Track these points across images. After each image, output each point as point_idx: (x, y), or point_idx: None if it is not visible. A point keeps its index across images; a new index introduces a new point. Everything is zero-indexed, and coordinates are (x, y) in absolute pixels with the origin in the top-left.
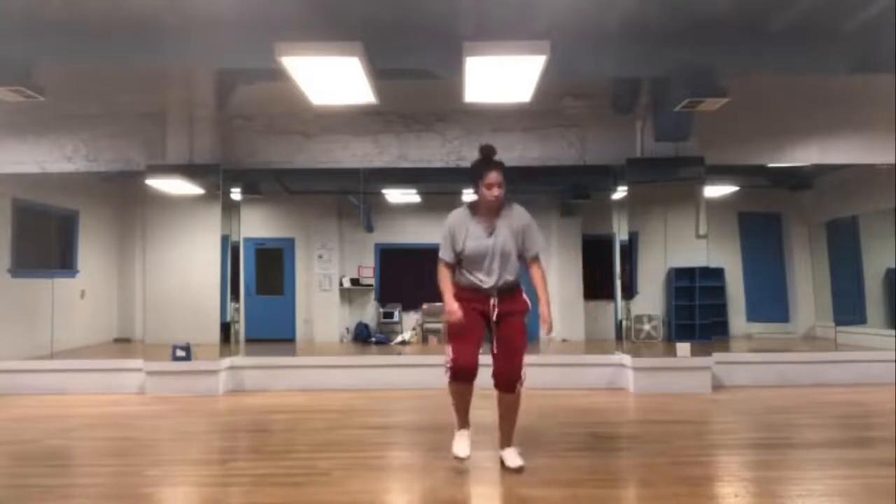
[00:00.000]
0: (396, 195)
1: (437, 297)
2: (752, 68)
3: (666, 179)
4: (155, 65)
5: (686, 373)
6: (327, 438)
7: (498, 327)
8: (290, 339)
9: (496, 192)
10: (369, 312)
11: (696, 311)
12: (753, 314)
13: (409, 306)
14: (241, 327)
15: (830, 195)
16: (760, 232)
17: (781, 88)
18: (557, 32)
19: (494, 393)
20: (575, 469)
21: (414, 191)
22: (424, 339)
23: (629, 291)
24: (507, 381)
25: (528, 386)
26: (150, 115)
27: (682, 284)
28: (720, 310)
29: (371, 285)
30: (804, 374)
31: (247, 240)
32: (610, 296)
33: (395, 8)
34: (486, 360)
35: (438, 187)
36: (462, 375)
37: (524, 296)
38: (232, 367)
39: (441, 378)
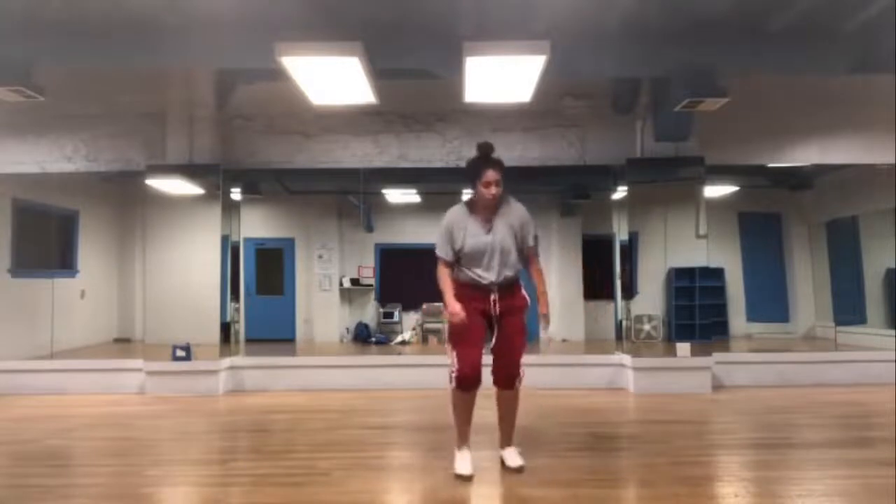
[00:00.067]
0: (396, 195)
1: (438, 297)
2: (752, 68)
3: (666, 179)
4: (155, 65)
5: (686, 373)
6: (327, 438)
7: (498, 324)
8: (290, 339)
9: (494, 190)
10: (369, 312)
11: (696, 311)
12: (753, 314)
13: (409, 306)
14: (241, 327)
15: (830, 195)
16: (760, 232)
17: (781, 88)
18: (557, 32)
19: (494, 392)
20: (575, 469)
21: (414, 191)
22: (424, 339)
23: (629, 291)
24: (507, 377)
25: (528, 386)
26: (150, 115)
27: (682, 284)
28: (720, 310)
29: (371, 285)
30: (804, 374)
31: (247, 240)
32: (610, 296)
33: (395, 8)
34: (485, 360)
35: (438, 187)
36: (467, 385)
37: (523, 291)
38: (232, 367)
39: (442, 378)
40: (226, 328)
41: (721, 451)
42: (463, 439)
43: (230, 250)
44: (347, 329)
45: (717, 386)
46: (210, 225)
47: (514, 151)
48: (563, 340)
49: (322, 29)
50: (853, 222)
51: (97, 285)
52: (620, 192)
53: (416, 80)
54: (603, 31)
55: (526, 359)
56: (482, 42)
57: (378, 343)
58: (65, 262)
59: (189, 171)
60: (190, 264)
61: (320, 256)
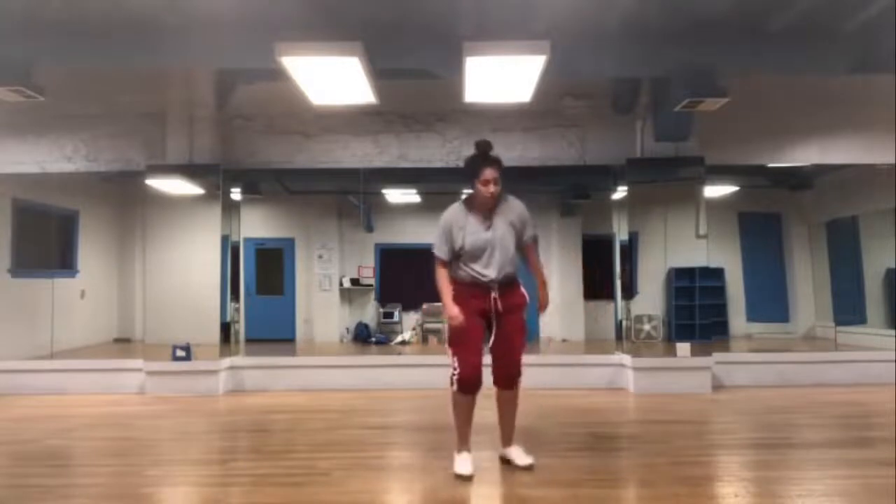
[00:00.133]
0: (396, 195)
1: (438, 297)
2: (752, 68)
3: (666, 179)
4: (155, 65)
5: (686, 373)
6: (327, 438)
7: (498, 324)
8: (290, 339)
9: (492, 188)
10: (369, 312)
11: (696, 311)
12: (753, 314)
13: (409, 306)
14: (241, 327)
15: (830, 195)
16: (760, 232)
17: (781, 88)
18: (557, 32)
19: (493, 391)
20: (575, 469)
21: (414, 191)
22: (424, 339)
23: (629, 291)
24: (508, 377)
25: (529, 386)
26: (150, 115)
27: (682, 284)
28: (720, 310)
29: (371, 285)
30: (804, 374)
31: (247, 240)
32: (610, 296)
33: (395, 8)
34: (485, 360)
35: (438, 187)
36: (468, 387)
37: (522, 289)
38: (232, 367)
39: (441, 378)
40: (226, 328)
41: (721, 451)
42: (463, 441)
43: (230, 250)
44: (347, 329)
45: (717, 386)
46: (210, 225)
47: (514, 151)
48: (563, 340)
49: (322, 29)
50: (853, 222)
51: (97, 285)
52: (620, 192)
53: (416, 80)
54: (603, 31)
55: (526, 359)
56: (482, 42)
57: (378, 343)
58: (65, 262)
59: (189, 171)
60: (190, 264)
61: (320, 256)
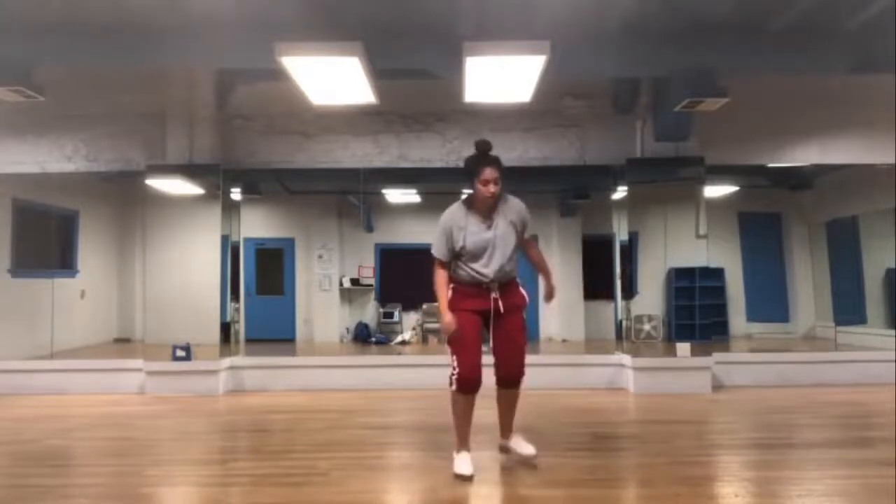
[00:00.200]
0: (396, 195)
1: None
2: (752, 68)
3: (666, 179)
4: (155, 65)
5: (686, 373)
6: (327, 438)
7: (499, 325)
8: (290, 340)
9: (492, 188)
10: (369, 312)
11: (696, 311)
12: (753, 314)
13: (409, 306)
14: (241, 327)
15: (830, 195)
16: (760, 232)
17: (781, 88)
18: (557, 32)
19: (494, 391)
20: (575, 469)
21: (414, 191)
22: (424, 339)
23: (629, 291)
24: (512, 377)
25: (529, 386)
26: (150, 115)
27: (682, 284)
28: (720, 310)
29: (371, 285)
30: (804, 374)
31: (247, 240)
32: (610, 296)
33: (395, 8)
34: (485, 360)
35: (438, 187)
36: (469, 388)
37: (521, 289)
38: (232, 367)
39: (441, 378)
40: (226, 328)
41: (721, 451)
42: (462, 442)
43: (230, 250)
44: (347, 329)
45: (717, 386)
46: (210, 225)
47: (514, 151)
48: (563, 341)
49: (322, 29)
50: (853, 222)
51: (97, 285)
52: (620, 192)
53: (416, 80)
54: (603, 31)
55: (526, 359)
56: (482, 42)
57: (378, 343)
58: (65, 262)
59: (189, 171)
60: (190, 264)
61: (320, 256)
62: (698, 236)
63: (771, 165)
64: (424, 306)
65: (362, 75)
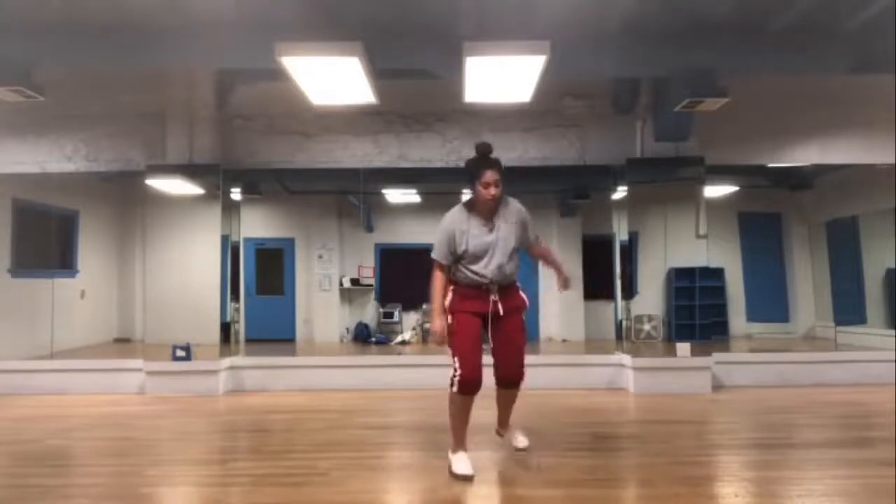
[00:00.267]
0: (396, 195)
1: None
2: (752, 68)
3: (666, 179)
4: (155, 65)
5: (686, 373)
6: (327, 438)
7: (499, 326)
8: (290, 340)
9: (493, 191)
10: (369, 312)
11: (696, 311)
12: (753, 314)
13: (408, 306)
14: (241, 327)
15: (830, 195)
16: (760, 232)
17: (781, 88)
18: (557, 32)
19: (494, 391)
20: (575, 469)
21: (414, 191)
22: (424, 339)
23: (629, 291)
24: (512, 378)
25: (529, 386)
26: (150, 115)
27: (682, 284)
28: (720, 310)
29: (371, 285)
30: (804, 374)
31: (247, 240)
32: (610, 296)
33: (395, 8)
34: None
35: (438, 187)
36: (470, 389)
37: (521, 293)
38: (232, 367)
39: (441, 378)
40: (226, 328)
41: (721, 451)
42: (459, 442)
43: (230, 250)
44: (347, 329)
45: (717, 386)
46: (210, 225)
47: (514, 151)
48: (563, 341)
49: (322, 29)
50: (853, 222)
51: (97, 285)
52: (620, 192)
53: (416, 80)
54: (603, 31)
55: (526, 359)
56: (482, 42)
57: (378, 343)
58: (65, 262)
59: (189, 171)
60: (190, 264)
61: (320, 256)
62: (698, 236)
63: (771, 165)
64: (424, 306)
65: (362, 75)
